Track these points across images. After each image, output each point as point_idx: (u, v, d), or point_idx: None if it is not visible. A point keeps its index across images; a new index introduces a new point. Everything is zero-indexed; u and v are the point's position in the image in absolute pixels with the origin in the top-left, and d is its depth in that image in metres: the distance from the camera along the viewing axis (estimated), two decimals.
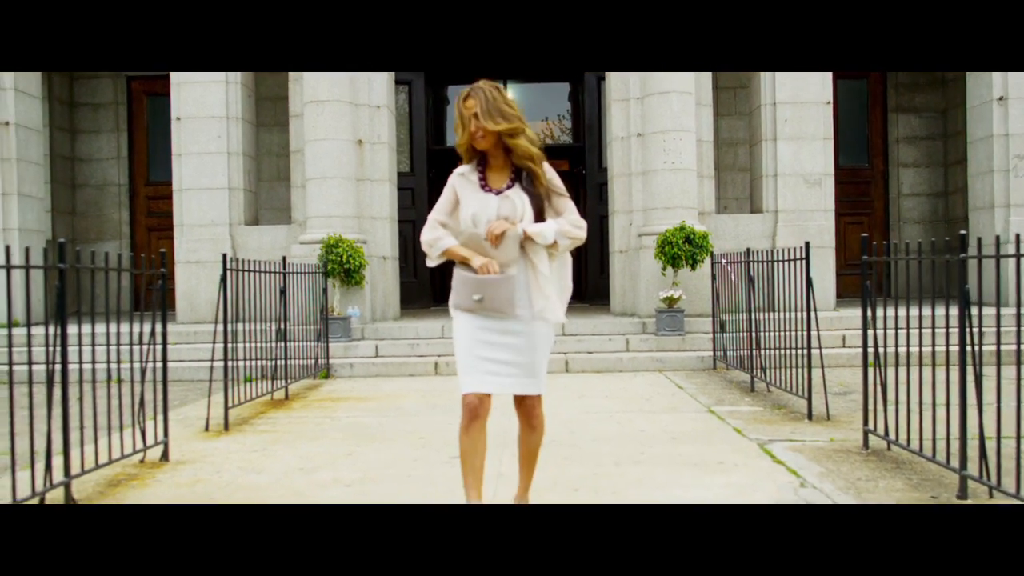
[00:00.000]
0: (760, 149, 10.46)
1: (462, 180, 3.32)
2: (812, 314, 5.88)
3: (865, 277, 4.80)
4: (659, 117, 9.69)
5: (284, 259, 7.42)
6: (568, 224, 3.25)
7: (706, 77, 10.12)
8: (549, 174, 3.30)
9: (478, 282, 3.19)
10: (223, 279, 6.02)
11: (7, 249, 3.37)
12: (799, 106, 10.19)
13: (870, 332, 4.80)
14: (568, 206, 3.31)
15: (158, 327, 4.83)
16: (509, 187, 3.27)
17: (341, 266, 9.00)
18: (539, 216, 3.24)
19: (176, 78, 10.30)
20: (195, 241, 10.25)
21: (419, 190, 12.52)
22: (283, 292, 7.14)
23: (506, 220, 3.20)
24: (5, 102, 10.26)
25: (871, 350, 4.78)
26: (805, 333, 5.96)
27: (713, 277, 8.52)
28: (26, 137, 10.54)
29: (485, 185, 3.29)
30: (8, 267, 3.32)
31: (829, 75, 10.20)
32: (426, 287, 12.46)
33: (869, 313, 4.79)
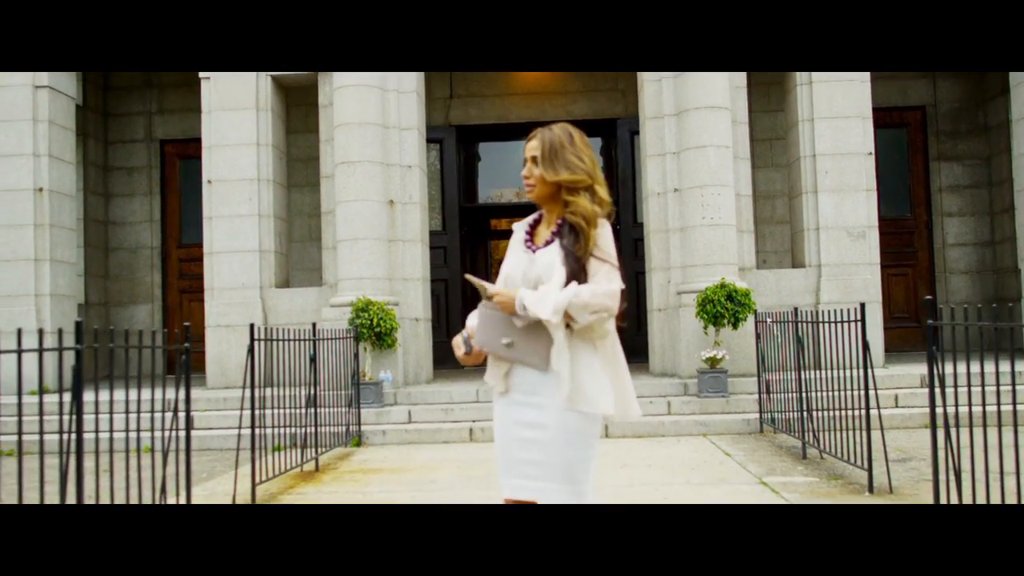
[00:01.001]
0: (800, 202, 10.17)
1: (514, 237, 2.91)
2: (870, 379, 5.54)
3: (931, 342, 4.49)
4: (696, 172, 9.46)
5: (314, 326, 7.23)
6: (588, 293, 2.62)
7: (743, 130, 9.90)
8: (600, 237, 2.73)
9: (508, 322, 2.69)
10: (251, 350, 5.84)
11: (19, 332, 3.19)
12: (840, 157, 9.91)
13: (938, 403, 4.47)
14: (601, 270, 2.69)
15: (182, 396, 4.64)
16: (548, 243, 2.77)
17: (371, 329, 8.78)
18: (571, 280, 2.69)
19: (207, 140, 10.27)
20: (226, 304, 10.11)
21: (451, 248, 12.37)
22: (313, 360, 6.95)
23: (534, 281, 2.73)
24: (39, 168, 10.31)
25: (939, 411, 4.44)
26: (860, 394, 5.64)
27: (757, 336, 8.19)
28: (59, 203, 10.55)
29: (529, 241, 2.85)
30: (20, 351, 3.14)
31: (870, 125, 9.93)
32: None
33: (936, 382, 4.46)
